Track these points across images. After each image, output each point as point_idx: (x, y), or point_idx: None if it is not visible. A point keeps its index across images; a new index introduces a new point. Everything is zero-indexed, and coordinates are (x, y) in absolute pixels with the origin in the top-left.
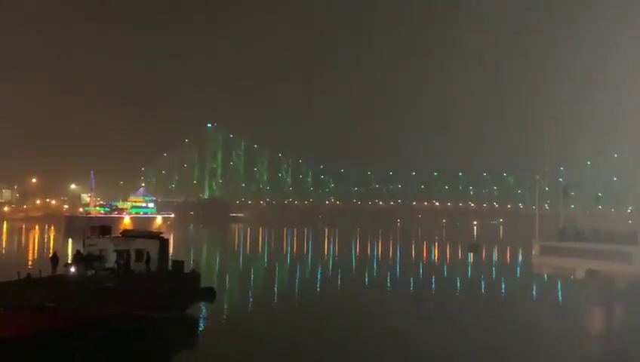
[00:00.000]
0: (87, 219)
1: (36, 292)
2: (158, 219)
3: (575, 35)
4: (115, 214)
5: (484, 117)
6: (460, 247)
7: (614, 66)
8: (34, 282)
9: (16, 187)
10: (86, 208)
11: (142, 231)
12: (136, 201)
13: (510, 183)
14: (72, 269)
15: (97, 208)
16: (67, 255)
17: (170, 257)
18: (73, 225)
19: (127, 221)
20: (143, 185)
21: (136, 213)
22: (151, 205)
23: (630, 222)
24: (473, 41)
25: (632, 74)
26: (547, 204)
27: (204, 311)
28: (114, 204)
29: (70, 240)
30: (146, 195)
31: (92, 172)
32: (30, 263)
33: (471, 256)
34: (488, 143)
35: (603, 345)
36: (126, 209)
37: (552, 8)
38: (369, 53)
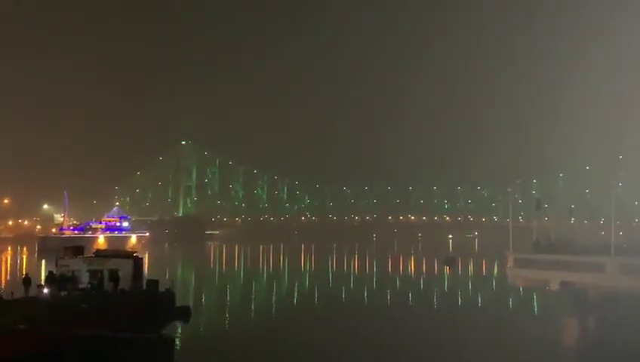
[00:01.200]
0: (61, 239)
1: (8, 315)
2: (133, 238)
3: (551, 46)
4: (89, 234)
5: (457, 131)
6: (436, 261)
7: (588, 80)
8: (6, 304)
9: None
10: (60, 228)
11: (115, 251)
12: (110, 221)
13: (484, 196)
14: (45, 290)
15: (71, 228)
16: (41, 276)
17: (144, 276)
18: (47, 245)
19: (101, 241)
20: (117, 204)
21: (110, 233)
22: (125, 224)
23: (603, 233)
24: (446, 55)
25: (604, 87)
26: (521, 216)
27: (179, 330)
28: (89, 223)
29: (43, 261)
30: (120, 214)
31: (65, 192)
32: (2, 285)
33: (447, 269)
34: (462, 157)
35: (576, 355)
36: (100, 228)
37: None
38: (346, 70)
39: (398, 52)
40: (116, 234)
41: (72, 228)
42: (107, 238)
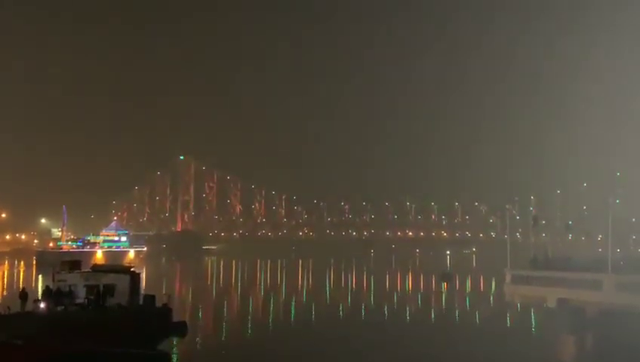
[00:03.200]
0: (59, 253)
1: (4, 330)
2: (131, 253)
3: (543, 58)
4: (87, 248)
5: (454, 146)
6: (433, 277)
7: (586, 95)
8: (2, 319)
9: None
10: (58, 243)
11: (112, 266)
12: (108, 235)
13: (482, 212)
14: (42, 305)
15: (69, 243)
16: (38, 290)
17: (141, 292)
18: (44, 259)
19: (99, 255)
20: (116, 218)
21: (108, 247)
22: (124, 239)
23: (600, 250)
24: (444, 65)
25: (602, 102)
26: (519, 233)
27: (175, 346)
28: (87, 238)
29: (40, 276)
30: (118, 229)
31: (64, 206)
32: None
33: (444, 285)
34: (459, 173)
35: None
36: (98, 243)
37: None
38: (343, 83)
39: (394, 62)
40: (114, 248)
41: (70, 242)
42: (105, 253)
